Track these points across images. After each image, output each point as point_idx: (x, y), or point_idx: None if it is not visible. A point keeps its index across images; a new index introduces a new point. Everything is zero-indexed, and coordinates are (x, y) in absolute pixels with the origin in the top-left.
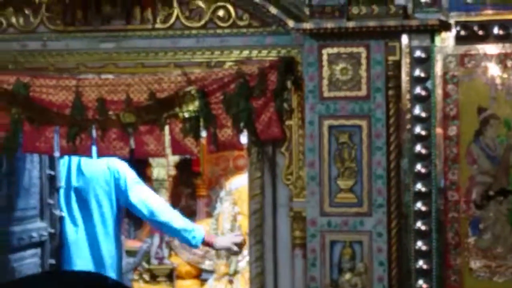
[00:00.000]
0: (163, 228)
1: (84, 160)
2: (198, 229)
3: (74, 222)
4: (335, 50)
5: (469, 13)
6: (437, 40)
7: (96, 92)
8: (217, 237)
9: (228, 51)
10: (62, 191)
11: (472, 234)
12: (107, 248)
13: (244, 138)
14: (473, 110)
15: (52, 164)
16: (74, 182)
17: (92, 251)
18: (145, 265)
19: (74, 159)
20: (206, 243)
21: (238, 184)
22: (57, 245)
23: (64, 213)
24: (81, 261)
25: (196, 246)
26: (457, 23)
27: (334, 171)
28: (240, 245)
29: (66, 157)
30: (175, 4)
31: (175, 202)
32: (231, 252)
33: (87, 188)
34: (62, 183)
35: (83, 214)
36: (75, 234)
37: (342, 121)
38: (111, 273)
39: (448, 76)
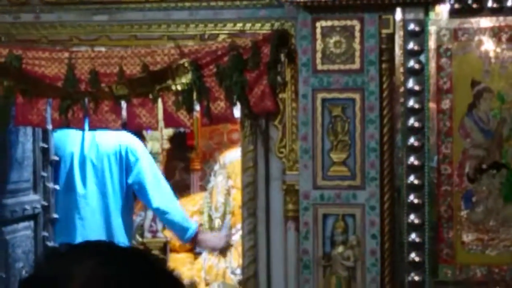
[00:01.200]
0: (159, 216)
1: (98, 133)
2: (192, 228)
3: (88, 196)
4: (328, 23)
5: None
6: (431, 13)
7: (89, 65)
8: (205, 235)
9: (222, 23)
10: (77, 164)
11: (465, 208)
12: (119, 224)
13: (237, 112)
14: (467, 84)
15: (45, 137)
16: (89, 155)
17: (106, 225)
18: (139, 239)
19: (88, 135)
20: (193, 241)
21: (232, 157)
22: (52, 217)
23: (80, 187)
24: (94, 235)
25: (184, 242)
26: None
27: (327, 144)
28: (224, 249)
29: (79, 134)
30: None
31: (169, 176)
32: (211, 252)
33: (102, 162)
34: (76, 160)
35: (98, 188)
36: (87, 207)
37: (335, 94)
38: None
39: (442, 49)
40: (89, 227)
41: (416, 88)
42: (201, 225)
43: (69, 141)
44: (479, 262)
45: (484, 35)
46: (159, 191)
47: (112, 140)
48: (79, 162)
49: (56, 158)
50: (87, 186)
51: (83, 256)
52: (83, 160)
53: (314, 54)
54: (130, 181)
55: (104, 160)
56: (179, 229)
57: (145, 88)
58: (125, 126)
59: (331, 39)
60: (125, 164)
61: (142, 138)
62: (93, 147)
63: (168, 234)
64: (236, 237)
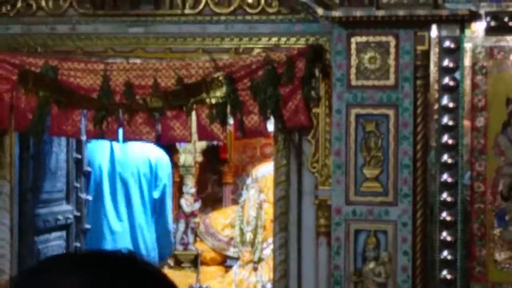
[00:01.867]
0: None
1: (127, 146)
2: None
3: (118, 210)
4: (363, 38)
5: (500, 4)
6: (467, 30)
7: (123, 76)
8: None
9: (257, 37)
10: (106, 176)
11: (498, 226)
12: (147, 235)
13: (270, 126)
14: (502, 102)
15: (79, 148)
16: (118, 168)
17: (132, 239)
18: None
19: (117, 146)
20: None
21: (265, 171)
22: (84, 228)
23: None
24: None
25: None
26: (487, 13)
27: (360, 160)
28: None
29: (107, 145)
30: None
31: (201, 188)
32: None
33: (131, 175)
34: (105, 171)
35: (127, 200)
36: (118, 222)
37: (369, 109)
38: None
39: (477, 67)
40: (119, 239)
41: (451, 105)
42: (232, 238)
43: (98, 153)
44: (511, 281)
45: None
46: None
47: (142, 153)
48: (108, 175)
49: (89, 169)
50: (116, 198)
51: (71, 271)
52: (112, 173)
53: (348, 70)
54: (155, 196)
55: (133, 173)
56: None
57: (179, 101)
58: (159, 139)
59: (365, 54)
60: (154, 178)
61: (175, 150)
62: (123, 159)
63: (200, 247)
64: (267, 251)
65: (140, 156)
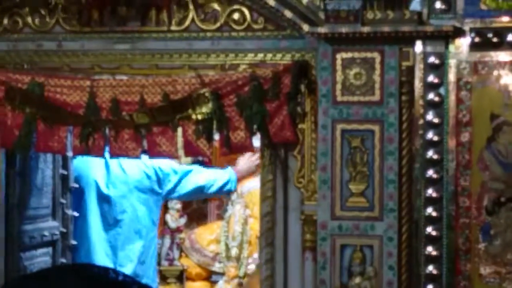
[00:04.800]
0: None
1: (124, 163)
2: (232, 179)
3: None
4: (349, 54)
5: (484, 20)
6: (451, 46)
7: (110, 93)
8: (238, 165)
9: (243, 54)
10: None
11: (483, 240)
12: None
13: (256, 142)
14: (486, 117)
15: (65, 164)
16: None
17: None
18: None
19: (113, 162)
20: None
21: (250, 187)
22: (70, 244)
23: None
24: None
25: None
26: (471, 29)
27: (346, 175)
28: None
29: (102, 161)
30: (190, 6)
31: (186, 204)
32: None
33: (127, 190)
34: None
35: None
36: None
37: (355, 125)
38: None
39: (462, 82)
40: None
41: (436, 120)
42: (217, 254)
43: (91, 167)
44: None
45: (504, 69)
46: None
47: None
48: (106, 188)
49: (76, 185)
50: (114, 212)
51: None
52: (109, 186)
53: (334, 85)
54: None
55: (130, 188)
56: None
57: (165, 117)
58: (145, 155)
59: (351, 70)
60: (159, 180)
61: None
62: (118, 172)
63: (186, 262)
64: (253, 266)
65: (136, 169)
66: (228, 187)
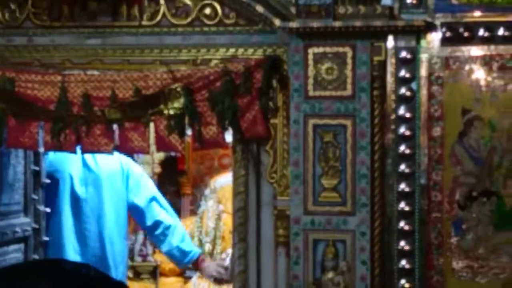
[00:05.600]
0: (158, 242)
1: (99, 157)
2: (195, 252)
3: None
4: (321, 49)
5: (455, 15)
6: (423, 41)
7: (81, 88)
8: (206, 262)
9: (214, 49)
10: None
11: (455, 235)
12: (117, 248)
13: (229, 137)
14: (457, 111)
15: (37, 160)
16: (89, 177)
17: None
18: (129, 262)
19: (88, 156)
20: (195, 264)
21: (223, 182)
22: (42, 240)
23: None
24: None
25: (183, 265)
26: (442, 24)
27: (318, 170)
28: (226, 269)
29: (78, 155)
30: (161, 1)
31: None
32: (219, 279)
33: (101, 184)
34: (77, 182)
35: (97, 210)
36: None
37: (327, 120)
38: (116, 273)
39: (433, 77)
40: (88, 251)
41: (407, 115)
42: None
43: (68, 162)
44: None
45: (475, 64)
46: (166, 208)
47: (112, 161)
48: (80, 184)
49: (48, 181)
50: (86, 208)
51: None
52: (83, 183)
53: (306, 80)
54: (137, 200)
55: (104, 182)
56: (179, 251)
57: (137, 112)
58: (117, 150)
59: (323, 65)
60: (128, 184)
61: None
62: (93, 168)
63: (159, 258)
64: (227, 262)
65: (110, 164)
66: (184, 256)
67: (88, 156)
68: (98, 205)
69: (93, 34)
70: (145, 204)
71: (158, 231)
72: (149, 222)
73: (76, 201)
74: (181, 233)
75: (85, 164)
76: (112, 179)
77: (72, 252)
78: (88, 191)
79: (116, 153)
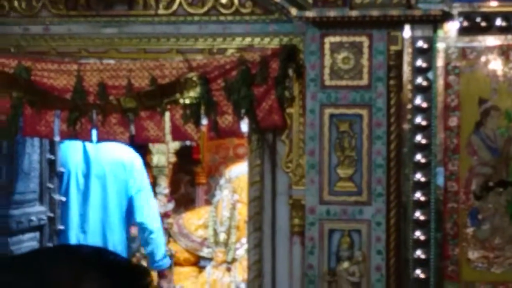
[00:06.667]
0: (143, 235)
1: (100, 147)
2: (167, 260)
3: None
4: (337, 39)
5: (472, 4)
6: (440, 30)
7: (97, 77)
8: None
9: (230, 38)
10: (80, 177)
11: (471, 225)
12: (117, 236)
13: (244, 126)
14: (474, 101)
15: (52, 149)
16: (92, 168)
17: (102, 238)
18: (143, 251)
19: (91, 147)
20: (162, 273)
21: (238, 172)
22: (57, 229)
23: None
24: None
25: (153, 268)
26: (460, 14)
27: (334, 160)
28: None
29: (80, 145)
30: None
31: (174, 189)
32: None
33: (104, 175)
34: (79, 172)
35: (100, 202)
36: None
37: (343, 110)
38: None
39: (450, 67)
40: (91, 240)
41: (424, 105)
42: (205, 239)
43: (71, 153)
44: (484, 280)
45: (492, 54)
46: (153, 208)
47: (114, 154)
48: (83, 175)
49: (63, 169)
50: (89, 199)
51: None
52: (86, 174)
53: (322, 70)
54: (133, 194)
55: (107, 174)
56: (160, 252)
57: (153, 101)
58: (132, 139)
59: (339, 55)
60: (128, 177)
61: (148, 151)
62: (96, 160)
63: (174, 248)
64: (241, 252)
65: (113, 156)
66: (157, 257)
67: (92, 148)
68: (101, 196)
69: (109, 23)
70: (140, 202)
71: (142, 233)
72: (139, 219)
73: (80, 191)
74: (160, 240)
75: (88, 157)
76: (115, 172)
77: (74, 241)
78: (92, 182)
79: (119, 146)
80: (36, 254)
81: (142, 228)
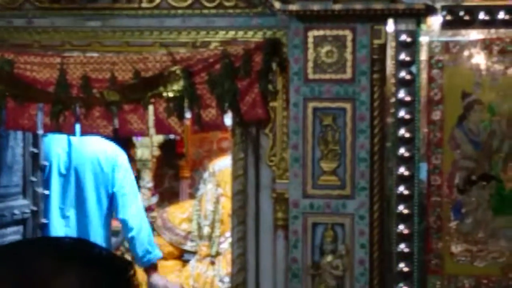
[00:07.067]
0: (127, 234)
1: (83, 140)
2: (155, 254)
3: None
4: (320, 32)
5: None
6: (423, 24)
7: (80, 70)
8: (161, 278)
9: (214, 31)
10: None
11: (454, 219)
12: (98, 230)
13: (228, 120)
14: (457, 95)
15: (36, 142)
16: (73, 162)
17: (83, 231)
18: (127, 245)
19: (75, 140)
20: (148, 270)
21: (222, 165)
22: (40, 222)
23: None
24: None
25: (141, 265)
26: (443, 7)
27: (318, 153)
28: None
29: (65, 139)
30: None
31: (158, 183)
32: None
33: (85, 170)
34: (62, 164)
35: (80, 195)
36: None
37: (326, 103)
38: None
39: (433, 60)
40: (72, 233)
41: (407, 98)
42: (189, 232)
43: (54, 146)
44: (467, 273)
45: (475, 47)
46: (136, 204)
47: (97, 148)
48: (65, 168)
49: (46, 163)
50: (69, 192)
51: None
52: (67, 167)
53: (305, 63)
54: (115, 189)
55: (88, 168)
56: (141, 250)
57: (136, 95)
58: (116, 132)
59: (322, 48)
60: (111, 172)
61: (132, 145)
62: (78, 154)
63: (157, 241)
64: (225, 245)
65: (95, 150)
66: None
67: (75, 142)
68: (82, 190)
69: (93, 16)
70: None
71: (126, 229)
72: (121, 216)
73: (61, 185)
74: (145, 236)
75: (71, 150)
76: (96, 166)
77: (56, 234)
78: (71, 174)
79: (102, 140)
80: (17, 246)
81: (124, 225)
